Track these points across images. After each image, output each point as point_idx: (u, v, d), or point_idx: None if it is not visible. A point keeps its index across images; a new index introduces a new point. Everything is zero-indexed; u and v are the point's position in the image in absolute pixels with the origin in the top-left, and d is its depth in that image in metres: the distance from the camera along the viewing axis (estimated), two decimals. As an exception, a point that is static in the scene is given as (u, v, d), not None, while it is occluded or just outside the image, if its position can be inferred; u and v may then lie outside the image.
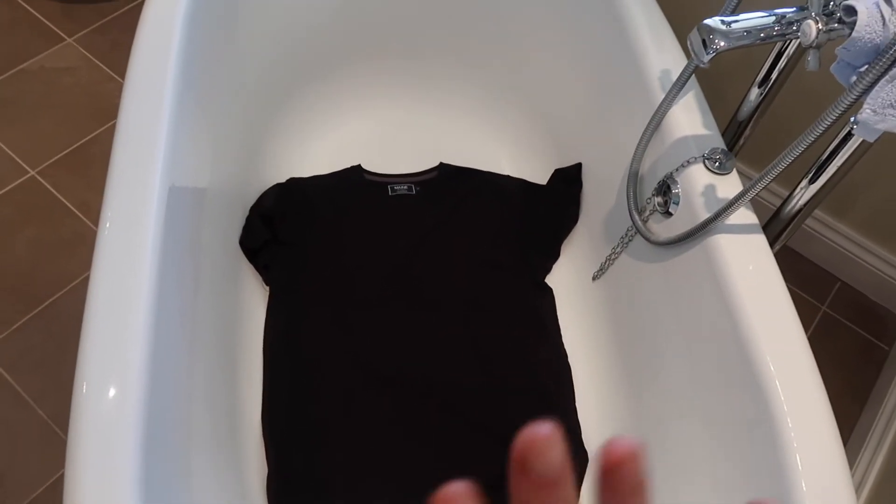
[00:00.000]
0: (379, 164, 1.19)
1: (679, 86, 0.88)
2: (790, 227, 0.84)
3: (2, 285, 1.26)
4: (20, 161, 1.42)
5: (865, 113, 0.61)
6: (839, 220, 1.33)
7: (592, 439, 0.97)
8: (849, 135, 0.71)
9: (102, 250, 0.70)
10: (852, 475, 1.04)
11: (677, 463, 0.84)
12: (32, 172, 1.40)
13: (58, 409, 1.14)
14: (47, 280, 1.27)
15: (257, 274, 1.06)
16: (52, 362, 1.19)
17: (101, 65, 1.58)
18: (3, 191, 1.38)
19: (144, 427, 0.62)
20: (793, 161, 0.70)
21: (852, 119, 0.67)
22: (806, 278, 1.37)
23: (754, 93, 0.89)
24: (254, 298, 1.04)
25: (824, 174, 0.76)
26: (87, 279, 0.91)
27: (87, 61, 1.58)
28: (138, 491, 0.58)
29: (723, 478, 0.74)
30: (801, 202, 0.81)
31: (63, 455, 0.61)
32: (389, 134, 1.26)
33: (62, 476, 0.98)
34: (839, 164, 0.74)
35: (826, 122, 0.64)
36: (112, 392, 0.62)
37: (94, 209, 1.36)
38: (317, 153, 1.22)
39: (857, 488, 1.07)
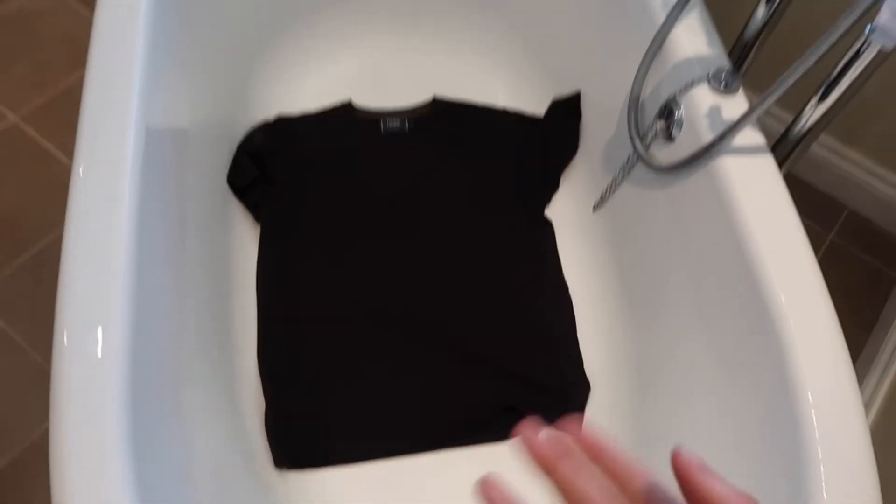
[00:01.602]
0: (370, 99, 1.15)
1: (682, 4, 0.83)
2: (798, 148, 0.81)
3: (-11, 233, 1.24)
4: (1, 107, 1.37)
5: (885, 16, 0.57)
6: (848, 147, 1.29)
7: (593, 368, 0.95)
8: (862, 46, 0.67)
9: (77, 195, 0.67)
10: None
11: (682, 388, 0.82)
12: (15, 118, 1.36)
13: (51, 353, 1.13)
14: (35, 226, 1.25)
15: (247, 212, 1.03)
16: (43, 308, 1.17)
17: (79, 9, 1.52)
18: (-14, 138, 1.34)
19: (130, 367, 0.60)
20: (805, 72, 0.66)
21: (868, 26, 0.63)
22: (812, 206, 1.34)
23: (762, 10, 0.84)
24: (245, 236, 1.01)
25: (836, 90, 0.72)
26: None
27: (64, 4, 1.53)
28: (125, 431, 0.57)
29: (729, 400, 0.73)
30: (811, 122, 0.77)
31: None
32: (380, 68, 1.21)
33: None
34: (852, 77, 0.70)
35: (843, 27, 0.60)
36: (96, 334, 0.61)
37: (79, 155, 1.33)
38: (305, 89, 1.17)
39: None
